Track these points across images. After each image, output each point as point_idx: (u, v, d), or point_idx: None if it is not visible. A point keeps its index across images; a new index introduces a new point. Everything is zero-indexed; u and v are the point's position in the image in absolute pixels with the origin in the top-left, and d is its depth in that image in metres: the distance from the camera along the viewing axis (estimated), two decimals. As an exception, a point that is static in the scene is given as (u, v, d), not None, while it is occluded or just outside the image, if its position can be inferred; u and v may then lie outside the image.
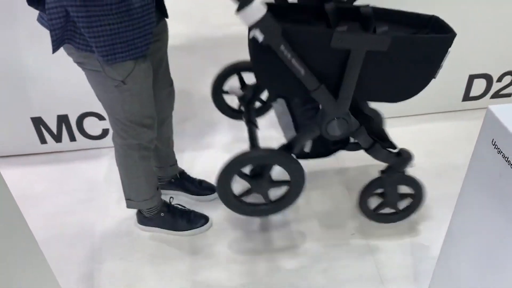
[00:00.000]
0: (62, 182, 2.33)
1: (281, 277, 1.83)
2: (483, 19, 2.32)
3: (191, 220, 2.01)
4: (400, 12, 1.50)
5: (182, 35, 3.23)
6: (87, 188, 2.29)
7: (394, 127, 2.50)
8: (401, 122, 2.55)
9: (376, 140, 1.73)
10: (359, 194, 1.86)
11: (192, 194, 2.17)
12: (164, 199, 2.01)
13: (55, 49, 1.43)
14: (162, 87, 1.84)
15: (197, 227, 2.01)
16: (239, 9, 1.25)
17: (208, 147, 2.51)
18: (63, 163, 2.44)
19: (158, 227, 2.01)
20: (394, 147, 1.83)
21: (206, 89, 2.22)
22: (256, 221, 2.06)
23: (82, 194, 2.25)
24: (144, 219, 2.02)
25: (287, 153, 1.68)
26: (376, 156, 1.77)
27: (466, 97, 2.60)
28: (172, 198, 2.07)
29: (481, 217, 1.28)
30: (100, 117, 2.40)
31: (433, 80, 2.46)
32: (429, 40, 1.45)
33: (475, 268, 1.34)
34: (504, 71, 2.52)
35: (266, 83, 1.52)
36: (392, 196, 1.88)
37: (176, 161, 2.15)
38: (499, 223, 1.19)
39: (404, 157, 1.80)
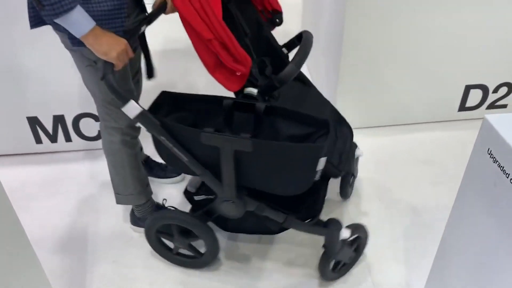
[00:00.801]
0: (56, 182, 2.32)
1: (273, 283, 1.82)
2: (480, 30, 2.33)
3: None
4: (298, 112, 1.48)
5: (183, 40, 3.23)
6: (81, 189, 2.28)
7: (389, 135, 2.53)
8: (396, 131, 2.56)
9: (287, 213, 1.63)
10: (319, 270, 1.80)
11: (159, 178, 2.26)
12: (157, 201, 2.01)
13: (32, 26, 1.50)
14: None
15: None
16: (122, 106, 1.43)
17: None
18: (58, 163, 2.43)
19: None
20: (314, 215, 1.69)
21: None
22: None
23: (76, 195, 2.25)
24: (135, 219, 2.02)
25: (199, 219, 1.71)
26: (298, 229, 1.68)
27: (462, 107, 2.62)
28: (165, 200, 2.07)
29: (475, 226, 1.28)
30: (96, 118, 2.39)
31: (429, 89, 2.51)
32: (293, 147, 1.39)
33: (469, 277, 1.34)
34: (500, 82, 2.54)
35: (166, 161, 1.64)
36: (345, 256, 1.81)
37: (141, 147, 2.18)
38: (493, 233, 1.19)
39: (332, 228, 1.65)
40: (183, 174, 2.28)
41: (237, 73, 1.47)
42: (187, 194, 1.83)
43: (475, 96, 2.58)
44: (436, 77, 2.48)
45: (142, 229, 2.00)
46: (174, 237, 1.79)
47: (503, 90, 2.57)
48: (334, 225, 1.65)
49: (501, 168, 1.13)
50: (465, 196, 1.34)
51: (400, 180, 2.24)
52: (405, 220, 2.04)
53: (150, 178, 2.23)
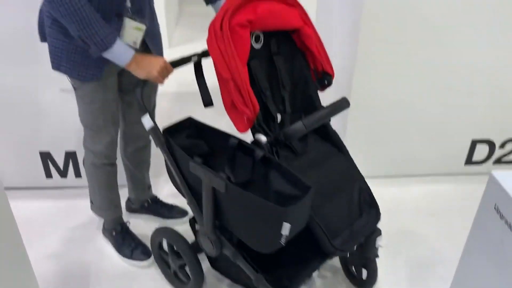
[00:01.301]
0: (63, 218, 2.34)
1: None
2: (487, 86, 2.39)
3: (135, 251, 2.08)
4: (289, 171, 1.46)
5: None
6: (88, 226, 2.29)
7: (396, 186, 2.54)
8: (403, 182, 2.57)
9: (259, 272, 1.58)
10: None
11: (164, 218, 2.31)
12: (124, 221, 2.15)
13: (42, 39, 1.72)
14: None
15: (137, 260, 2.06)
16: (142, 116, 1.63)
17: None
18: (66, 199, 2.45)
19: (109, 242, 2.17)
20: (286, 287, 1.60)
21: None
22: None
23: (82, 231, 2.25)
24: (103, 229, 2.18)
25: (188, 245, 1.76)
26: None
27: (469, 161, 2.64)
28: (129, 222, 2.18)
29: (482, 282, 1.28)
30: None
31: (436, 142, 2.53)
32: (258, 202, 1.36)
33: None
34: (507, 138, 2.57)
35: (170, 178, 1.76)
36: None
37: (150, 186, 2.28)
38: (500, 290, 1.18)
39: None
40: (188, 216, 2.29)
41: (244, 116, 1.51)
42: (190, 221, 1.86)
43: (481, 150, 2.60)
44: (443, 130, 2.51)
45: (105, 239, 2.17)
46: (169, 254, 1.87)
47: (510, 146, 2.60)
48: None
49: (508, 225, 1.14)
50: (472, 252, 1.34)
51: (406, 232, 2.23)
52: (411, 274, 2.02)
53: (156, 218, 2.30)
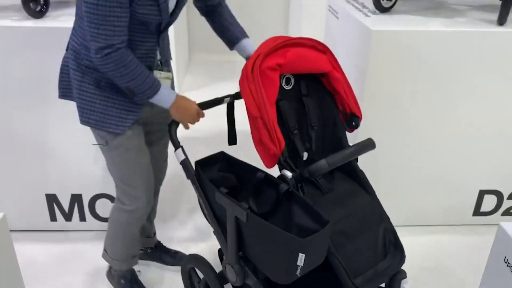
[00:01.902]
0: (66, 262, 2.31)
1: None
2: (495, 136, 2.39)
3: None
4: (310, 206, 1.51)
5: (202, 130, 3.37)
6: (91, 271, 2.25)
7: (402, 236, 2.48)
8: (411, 232, 2.53)
9: None
10: None
11: (167, 265, 2.25)
12: (133, 268, 2.08)
13: (60, 96, 1.75)
14: (158, 161, 2.02)
15: None
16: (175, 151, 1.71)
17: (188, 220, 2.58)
18: (70, 242, 2.43)
19: (114, 286, 2.09)
20: None
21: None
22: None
23: (84, 277, 2.22)
24: (109, 273, 2.09)
25: (215, 274, 1.80)
26: None
27: (477, 212, 2.60)
28: (140, 272, 2.13)
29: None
30: (112, 199, 2.42)
31: (443, 192, 2.52)
32: (275, 232, 1.40)
33: None
34: (515, 190, 2.55)
35: (203, 212, 1.79)
36: None
37: (154, 233, 2.25)
38: None
39: None
40: None
41: (271, 152, 1.58)
42: (219, 251, 1.91)
43: (489, 201, 2.58)
44: (450, 180, 2.50)
45: (110, 285, 2.09)
46: (196, 282, 1.94)
47: (518, 197, 2.57)
48: None
49: (518, 278, 1.11)
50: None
51: (414, 284, 2.17)
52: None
53: (153, 263, 2.27)
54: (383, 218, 1.75)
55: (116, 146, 1.71)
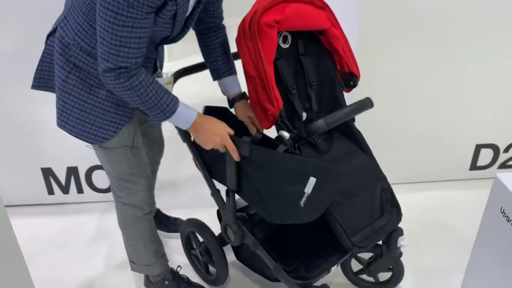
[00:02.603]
0: (66, 234, 2.32)
1: None
2: (490, 90, 2.38)
3: None
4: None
5: (196, 95, 3.33)
6: (91, 242, 2.26)
7: (400, 194, 2.48)
8: (407, 189, 2.54)
9: (277, 262, 1.63)
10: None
11: (167, 231, 2.24)
12: (172, 267, 1.94)
13: (33, 86, 1.62)
14: (154, 146, 1.99)
15: None
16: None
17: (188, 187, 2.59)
18: (68, 215, 2.43)
19: None
20: (304, 277, 1.62)
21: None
22: None
23: (85, 248, 2.23)
24: (149, 283, 1.94)
25: (214, 237, 1.83)
26: (284, 283, 1.64)
27: (473, 166, 2.61)
28: (180, 267, 1.97)
29: (491, 286, 1.25)
30: (109, 171, 2.42)
31: (440, 148, 2.51)
32: (286, 158, 1.43)
33: None
34: (511, 142, 2.55)
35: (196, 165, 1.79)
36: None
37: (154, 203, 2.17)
38: (509, 294, 1.16)
39: None
40: None
41: (268, 113, 1.56)
42: (218, 213, 1.89)
43: (486, 155, 2.58)
44: (446, 136, 2.50)
45: None
46: (196, 245, 1.97)
47: (514, 150, 2.58)
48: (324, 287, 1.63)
49: (515, 227, 1.12)
50: (480, 256, 1.32)
51: (412, 239, 2.20)
52: (418, 280, 1.99)
53: (160, 232, 2.23)
54: (380, 177, 1.75)
55: (110, 148, 1.56)
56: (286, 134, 1.56)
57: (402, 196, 2.48)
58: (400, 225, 1.72)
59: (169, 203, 2.48)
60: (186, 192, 2.60)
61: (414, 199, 2.48)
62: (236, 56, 1.69)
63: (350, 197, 1.64)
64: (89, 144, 1.57)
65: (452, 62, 2.29)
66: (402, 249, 1.76)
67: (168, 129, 1.87)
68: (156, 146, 2.04)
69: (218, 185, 1.73)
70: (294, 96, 1.68)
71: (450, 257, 2.11)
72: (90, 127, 1.49)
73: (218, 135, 1.46)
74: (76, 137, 1.52)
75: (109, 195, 2.50)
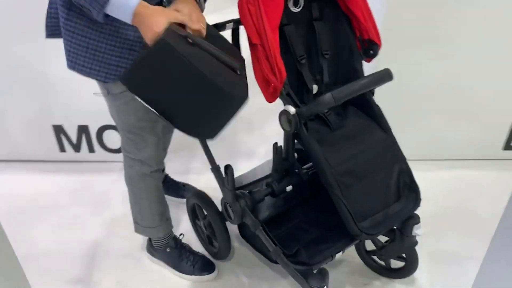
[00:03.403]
0: (75, 192, 2.30)
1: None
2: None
3: (197, 265, 1.86)
4: None
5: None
6: (99, 202, 2.23)
7: (425, 170, 2.33)
8: (431, 166, 2.38)
9: (277, 246, 1.53)
10: None
11: (176, 197, 2.17)
12: (174, 234, 1.90)
13: (47, 35, 1.51)
14: None
15: (201, 275, 1.85)
16: None
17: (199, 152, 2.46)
18: (79, 173, 2.41)
19: (163, 261, 1.90)
20: (304, 263, 1.50)
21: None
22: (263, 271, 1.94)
23: (93, 208, 2.21)
24: (151, 248, 1.91)
25: (217, 212, 1.74)
26: (283, 267, 1.55)
27: (508, 145, 2.41)
28: (183, 235, 1.94)
29: (509, 276, 1.14)
30: (120, 131, 2.37)
31: (471, 123, 2.32)
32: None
33: None
34: (552, 122, 2.33)
35: None
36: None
37: (163, 169, 2.14)
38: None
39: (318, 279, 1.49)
40: None
41: (271, 85, 1.43)
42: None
43: (522, 135, 2.38)
44: (479, 110, 2.30)
45: (155, 260, 1.91)
46: (201, 218, 1.90)
47: (555, 130, 2.36)
48: (323, 273, 1.52)
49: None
50: (499, 246, 1.19)
51: (431, 221, 2.06)
52: (432, 266, 1.87)
53: (167, 197, 2.18)
54: (398, 157, 1.60)
55: (119, 95, 1.49)
56: (291, 109, 1.43)
57: (425, 174, 2.32)
58: (419, 210, 1.60)
59: (181, 168, 2.41)
60: (199, 157, 2.52)
61: (438, 178, 2.32)
62: (238, 22, 1.53)
63: (361, 179, 1.51)
64: (98, 92, 1.52)
65: (491, 33, 2.07)
66: (417, 238, 1.63)
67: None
68: None
69: (218, 161, 1.64)
70: (304, 66, 1.54)
71: (469, 245, 1.97)
72: (99, 64, 1.40)
73: (153, 32, 1.22)
74: (88, 76, 1.43)
75: (121, 156, 2.45)
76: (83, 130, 2.36)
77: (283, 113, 1.47)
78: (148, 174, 1.69)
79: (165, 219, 1.82)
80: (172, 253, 1.86)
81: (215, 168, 1.62)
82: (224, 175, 1.57)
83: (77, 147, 2.42)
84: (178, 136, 1.61)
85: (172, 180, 2.23)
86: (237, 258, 1.94)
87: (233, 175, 1.57)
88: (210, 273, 1.85)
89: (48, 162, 2.47)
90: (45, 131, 2.36)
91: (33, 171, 2.41)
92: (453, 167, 2.39)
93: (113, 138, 2.39)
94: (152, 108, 1.26)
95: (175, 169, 2.34)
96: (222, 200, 1.67)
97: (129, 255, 1.97)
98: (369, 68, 1.65)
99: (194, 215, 1.95)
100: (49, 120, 2.34)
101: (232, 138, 2.64)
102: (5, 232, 1.19)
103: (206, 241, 1.94)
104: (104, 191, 2.29)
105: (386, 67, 1.49)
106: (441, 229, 2.04)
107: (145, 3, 1.24)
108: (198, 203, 1.83)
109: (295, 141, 1.58)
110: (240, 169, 1.87)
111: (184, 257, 1.86)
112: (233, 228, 1.85)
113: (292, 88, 1.49)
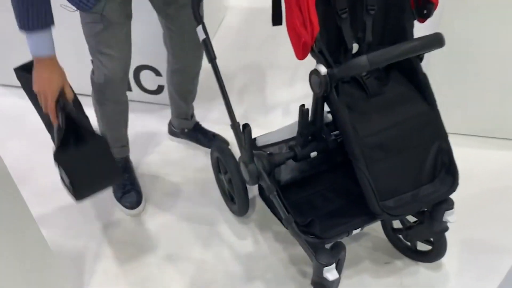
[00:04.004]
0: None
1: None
2: None
3: (124, 197, 1.91)
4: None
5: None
6: (131, 140, 2.19)
7: (472, 147, 2.13)
8: (482, 143, 2.15)
9: (289, 212, 1.43)
10: None
11: (204, 147, 2.14)
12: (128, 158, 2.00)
13: None
14: (188, 42, 1.77)
15: (122, 205, 1.91)
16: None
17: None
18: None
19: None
20: (319, 236, 1.40)
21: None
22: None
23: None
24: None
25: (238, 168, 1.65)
26: (293, 237, 1.47)
27: None
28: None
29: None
30: (157, 73, 2.31)
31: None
32: None
33: None
34: None
35: None
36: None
37: (192, 115, 2.11)
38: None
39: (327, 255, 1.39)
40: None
41: (302, 39, 1.29)
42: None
43: None
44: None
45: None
46: (222, 172, 1.85)
47: None
48: (337, 247, 1.43)
49: None
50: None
51: (474, 204, 1.88)
52: (459, 257, 1.73)
53: (191, 143, 2.19)
54: (440, 134, 1.44)
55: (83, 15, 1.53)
56: (322, 69, 1.29)
57: (472, 151, 2.12)
58: (463, 184, 1.43)
59: (215, 116, 2.35)
60: (236, 108, 2.41)
61: (486, 157, 2.10)
62: None
63: (392, 154, 1.38)
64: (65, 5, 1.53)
65: None
66: (448, 225, 1.49)
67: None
68: (189, 44, 1.77)
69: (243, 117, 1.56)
70: (344, 21, 1.38)
71: (507, 236, 1.79)
72: None
73: (46, 88, 1.29)
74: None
75: (157, 98, 2.42)
76: (120, 67, 2.32)
77: (313, 73, 1.34)
78: (101, 101, 1.78)
79: (121, 145, 1.92)
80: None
81: (234, 126, 1.54)
82: (241, 135, 1.48)
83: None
84: (214, 84, 1.53)
85: (202, 128, 2.17)
86: (256, 216, 1.89)
87: (250, 135, 1.48)
88: (132, 209, 1.88)
89: (85, 96, 2.45)
90: (85, 65, 2.33)
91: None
92: (506, 147, 2.16)
93: (150, 79, 2.35)
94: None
95: (208, 117, 2.28)
96: (239, 158, 1.59)
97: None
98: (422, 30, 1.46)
99: (217, 169, 1.89)
100: (87, 55, 2.30)
101: (261, 94, 2.52)
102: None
103: (228, 197, 1.88)
104: (137, 130, 2.26)
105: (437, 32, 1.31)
106: (480, 214, 1.87)
107: (55, 58, 1.30)
108: (220, 157, 1.76)
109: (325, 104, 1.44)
110: (266, 128, 1.78)
111: (121, 182, 1.91)
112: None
113: (329, 46, 1.36)
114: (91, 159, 1.35)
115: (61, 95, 1.32)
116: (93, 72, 1.74)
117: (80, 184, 1.34)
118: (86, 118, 1.45)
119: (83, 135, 1.35)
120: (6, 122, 2.43)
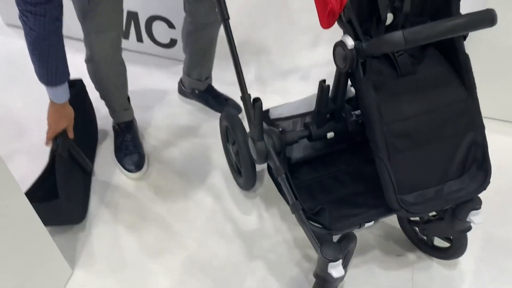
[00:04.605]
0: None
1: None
2: None
3: (126, 159, 1.83)
4: None
5: None
6: (139, 95, 2.08)
7: (509, 135, 1.95)
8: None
9: (297, 198, 1.29)
10: None
11: (214, 110, 2.03)
12: (133, 121, 1.92)
13: None
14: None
15: (123, 167, 1.83)
16: None
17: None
18: (125, 62, 2.24)
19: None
20: (325, 226, 1.27)
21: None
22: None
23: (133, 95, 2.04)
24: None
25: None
26: (300, 224, 1.32)
27: None
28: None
29: None
30: (170, 25, 2.14)
31: None
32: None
33: None
34: None
35: None
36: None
37: (207, 77, 1.97)
38: None
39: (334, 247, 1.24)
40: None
41: (329, 6, 1.13)
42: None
43: None
44: None
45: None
46: (230, 141, 1.75)
47: None
48: (347, 239, 1.29)
49: None
50: None
51: (499, 199, 1.73)
52: (477, 256, 1.59)
53: (200, 105, 2.07)
54: (476, 126, 1.27)
55: None
56: (349, 42, 1.13)
57: (509, 139, 1.95)
58: (496, 175, 1.27)
59: (228, 78, 2.18)
60: (254, 72, 2.26)
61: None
62: None
63: (418, 146, 1.22)
64: None
65: None
66: (471, 225, 1.34)
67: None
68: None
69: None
70: None
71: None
72: None
73: (52, 125, 1.56)
74: None
75: (169, 52, 2.26)
76: (132, 16, 2.17)
77: (339, 45, 1.17)
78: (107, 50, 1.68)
79: (123, 109, 1.85)
80: (118, 134, 1.88)
81: (244, 98, 1.38)
82: (251, 109, 1.33)
83: (125, 34, 2.25)
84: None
85: (214, 90, 2.03)
86: (262, 191, 1.77)
87: (261, 110, 1.33)
88: (133, 172, 1.80)
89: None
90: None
91: (81, 50, 2.27)
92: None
93: (162, 31, 2.19)
94: None
95: (223, 77, 2.12)
96: (248, 133, 1.45)
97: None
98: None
99: (226, 137, 1.76)
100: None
101: (280, 56, 2.35)
102: None
103: (235, 169, 1.76)
104: (146, 84, 2.15)
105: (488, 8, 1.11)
106: (506, 212, 1.72)
107: (67, 103, 1.55)
108: (229, 126, 1.62)
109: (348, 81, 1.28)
110: (282, 94, 1.63)
111: (124, 144, 1.85)
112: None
113: (359, 15, 1.18)
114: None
115: (64, 132, 1.60)
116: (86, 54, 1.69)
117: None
118: (81, 154, 1.70)
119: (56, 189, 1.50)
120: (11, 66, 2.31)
